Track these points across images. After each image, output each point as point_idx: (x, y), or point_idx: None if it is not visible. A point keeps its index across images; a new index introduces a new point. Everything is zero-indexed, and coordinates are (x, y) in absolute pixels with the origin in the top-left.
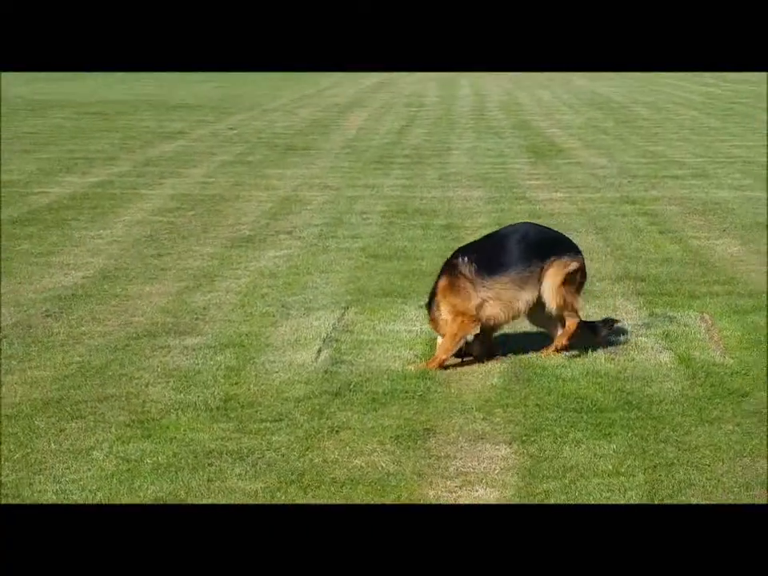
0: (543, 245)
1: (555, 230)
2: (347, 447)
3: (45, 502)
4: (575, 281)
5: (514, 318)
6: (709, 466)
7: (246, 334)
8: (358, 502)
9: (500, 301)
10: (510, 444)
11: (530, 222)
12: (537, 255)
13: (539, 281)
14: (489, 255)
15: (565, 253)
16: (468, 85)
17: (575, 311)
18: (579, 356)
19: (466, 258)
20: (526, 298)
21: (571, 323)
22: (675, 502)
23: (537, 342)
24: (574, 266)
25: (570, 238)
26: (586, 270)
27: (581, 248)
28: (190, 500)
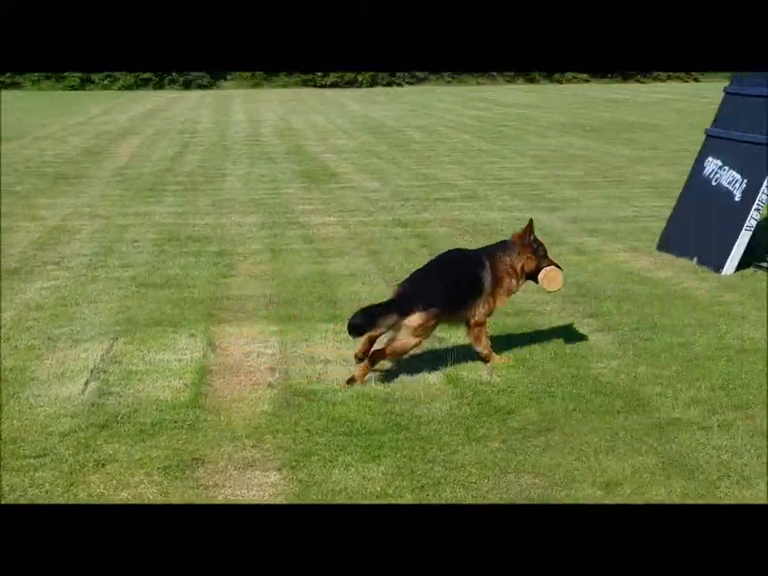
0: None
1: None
2: (113, 480)
3: None
4: None
5: None
6: (475, 483)
7: (10, 369)
8: None
9: None
10: (280, 470)
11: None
12: None
13: None
14: None
15: None
16: (242, 110)
17: None
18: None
19: None
20: None
21: None
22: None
23: (317, 368)
24: None
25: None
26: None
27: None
28: None
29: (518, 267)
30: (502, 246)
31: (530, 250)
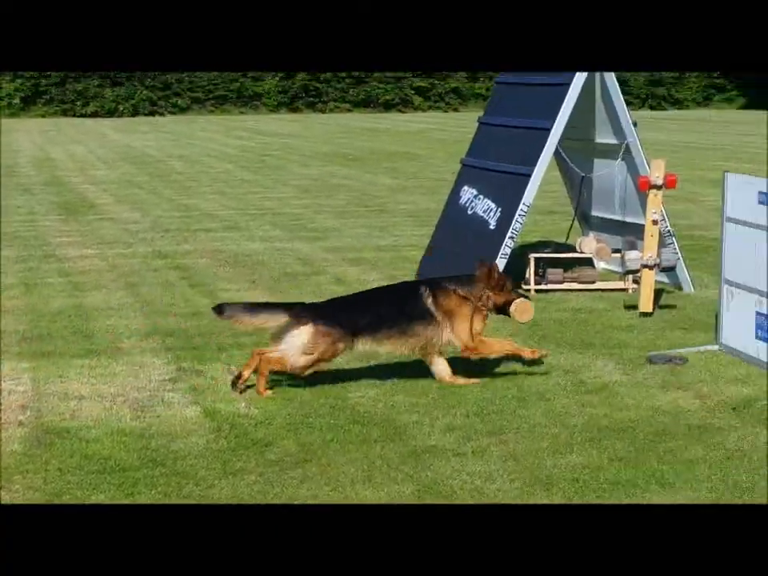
0: None
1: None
2: None
3: None
4: None
5: None
6: None
7: None
8: None
9: None
10: None
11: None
12: None
13: None
14: None
15: None
16: None
17: None
18: (104, 416)
19: None
20: None
21: None
22: None
23: (71, 405)
24: None
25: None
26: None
27: None
28: None
29: (483, 298)
30: (461, 278)
31: (498, 288)
